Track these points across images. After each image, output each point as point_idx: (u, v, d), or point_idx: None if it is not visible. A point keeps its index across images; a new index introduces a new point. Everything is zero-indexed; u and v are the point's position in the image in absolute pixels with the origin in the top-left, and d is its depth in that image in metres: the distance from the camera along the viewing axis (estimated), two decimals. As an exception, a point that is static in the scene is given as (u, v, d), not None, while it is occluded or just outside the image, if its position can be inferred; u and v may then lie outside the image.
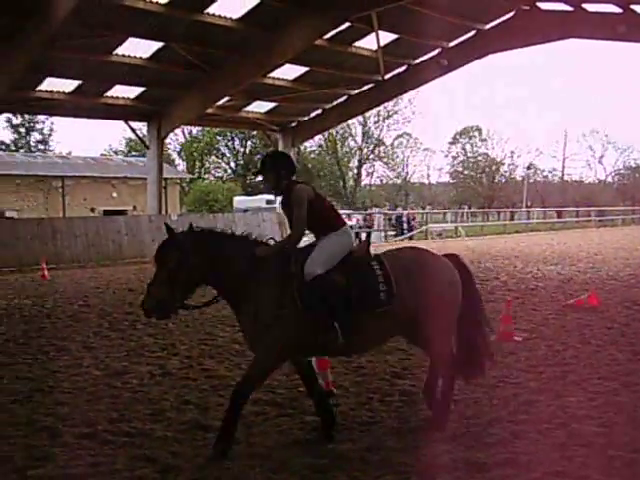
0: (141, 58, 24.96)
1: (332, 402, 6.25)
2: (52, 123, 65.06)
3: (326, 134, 62.46)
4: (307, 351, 5.88)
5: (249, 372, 5.73)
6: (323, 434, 5.82)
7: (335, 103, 32.30)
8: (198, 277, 5.68)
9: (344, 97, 31.69)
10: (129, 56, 24.64)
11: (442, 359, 6.07)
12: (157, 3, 21.31)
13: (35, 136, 66.09)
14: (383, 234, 40.48)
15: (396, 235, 39.63)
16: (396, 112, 69.22)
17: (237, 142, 69.38)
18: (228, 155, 71.17)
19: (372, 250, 6.23)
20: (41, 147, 64.62)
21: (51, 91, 26.75)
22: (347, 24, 23.58)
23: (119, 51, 24.15)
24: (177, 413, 6.52)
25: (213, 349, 9.42)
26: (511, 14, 25.22)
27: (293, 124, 34.06)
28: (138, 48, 24.33)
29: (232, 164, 71.66)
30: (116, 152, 67.34)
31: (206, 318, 11.86)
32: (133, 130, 33.68)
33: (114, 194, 42.08)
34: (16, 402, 7.02)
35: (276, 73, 26.98)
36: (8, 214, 36.12)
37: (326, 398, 6.08)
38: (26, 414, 6.62)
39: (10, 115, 57.16)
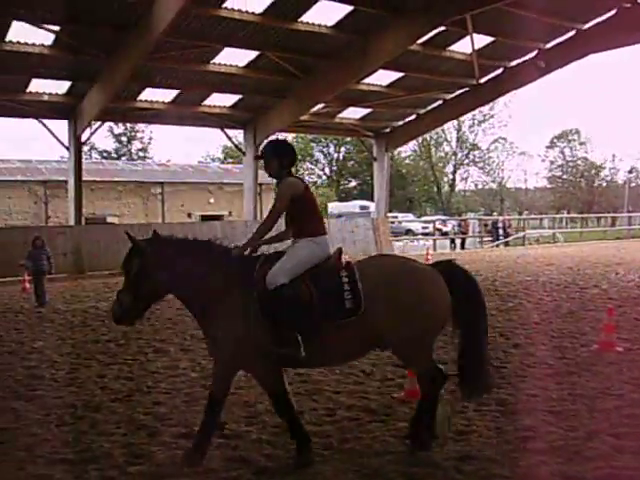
0: (237, 67, 25.43)
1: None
2: (151, 132, 67.19)
3: (420, 139, 62.03)
4: (269, 362, 5.56)
5: (213, 380, 5.76)
6: (297, 457, 5.48)
7: (429, 108, 32.02)
8: (159, 285, 5.66)
9: (438, 102, 31.38)
10: (225, 65, 25.16)
11: (421, 376, 5.76)
12: (252, 13, 21.68)
13: (136, 144, 68.38)
14: (478, 240, 39.87)
15: (492, 241, 38.92)
16: (492, 116, 68.14)
17: (331, 148, 69.81)
18: (322, 161, 71.73)
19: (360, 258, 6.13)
20: (141, 155, 66.75)
21: (151, 101, 27.61)
22: (441, 28, 23.36)
23: (216, 60, 24.68)
24: (271, 416, 6.56)
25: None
26: (612, 12, 24.39)
27: (387, 130, 33.97)
28: (234, 57, 24.82)
29: (326, 170, 72.13)
30: (213, 159, 68.84)
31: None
32: (229, 137, 34.33)
33: (211, 200, 43.00)
34: (116, 400, 7.25)
35: (370, 79, 26.99)
36: (109, 219, 37.44)
37: (297, 418, 5.77)
38: (126, 412, 6.83)
39: (112, 124, 59.34)
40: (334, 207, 53.45)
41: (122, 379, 8.16)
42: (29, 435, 6.14)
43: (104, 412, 6.85)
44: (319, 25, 23.01)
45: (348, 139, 59.50)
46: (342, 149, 69.58)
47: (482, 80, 28.28)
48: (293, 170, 5.95)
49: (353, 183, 71.96)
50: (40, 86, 25.52)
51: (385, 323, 5.42)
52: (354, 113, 32.08)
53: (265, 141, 5.47)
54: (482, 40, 25.45)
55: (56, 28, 21.53)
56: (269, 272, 5.51)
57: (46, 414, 6.79)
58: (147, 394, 7.48)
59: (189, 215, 41.55)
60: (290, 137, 66.31)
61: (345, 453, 5.57)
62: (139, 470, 5.29)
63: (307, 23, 22.69)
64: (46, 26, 21.18)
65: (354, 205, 53.48)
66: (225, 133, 32.83)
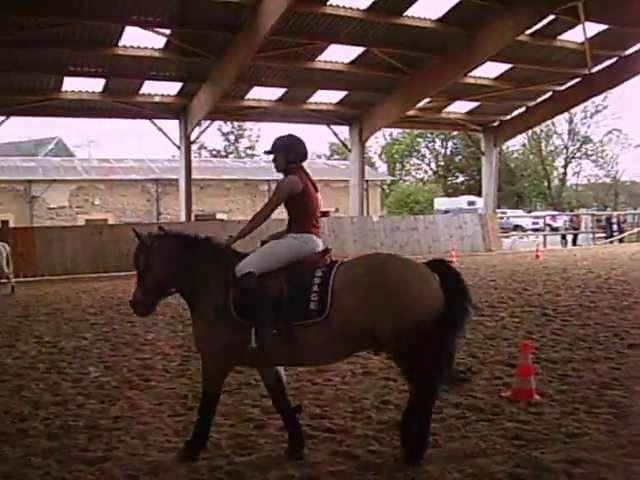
0: (342, 63, 25.56)
1: (298, 417, 5.77)
2: (259, 129, 68.23)
3: (530, 132, 60.46)
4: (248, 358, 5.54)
5: (202, 376, 5.77)
6: (290, 451, 5.50)
7: (539, 100, 31.23)
8: (161, 279, 5.79)
9: (549, 93, 30.55)
10: (331, 62, 25.32)
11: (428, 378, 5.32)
12: (357, 9, 21.73)
13: (244, 142, 69.69)
14: (591, 236, 38.53)
15: (605, 237, 37.53)
16: (605, 107, 65.59)
17: (438, 143, 69.02)
18: (429, 156, 71.02)
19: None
20: (249, 153, 68.01)
21: (258, 99, 28.10)
22: (551, 17, 22.68)
23: (321, 58, 24.87)
24: (377, 412, 6.57)
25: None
26: None
27: (495, 123, 33.34)
28: (340, 54, 24.96)
29: (433, 165, 71.40)
30: (319, 156, 69.35)
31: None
32: (335, 134, 34.50)
33: (318, 196, 43.35)
34: (225, 393, 7.40)
35: (477, 72, 26.55)
36: (219, 216, 38.35)
37: (293, 413, 5.70)
38: (234, 404, 6.98)
39: (221, 123, 60.65)
40: (441, 203, 52.87)
41: (231, 372, 8.32)
42: (142, 423, 6.36)
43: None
44: (424, 19, 22.83)
45: (455, 134, 58.70)
46: (449, 144, 68.66)
47: (595, 70, 27.33)
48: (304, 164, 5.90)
49: (460, 178, 70.90)
50: (152, 88, 26.43)
51: (367, 321, 5.14)
52: (461, 107, 31.65)
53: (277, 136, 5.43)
54: (594, 28, 24.59)
55: (167, 31, 22.23)
56: (240, 263, 5.53)
57: (158, 404, 7.02)
58: (255, 387, 7.60)
59: (296, 212, 42.03)
60: (396, 132, 66.30)
61: (451, 452, 5.49)
62: (246, 461, 5.40)
63: (412, 17, 22.57)
64: (157, 30, 21.88)
65: (461, 200, 52.75)
66: (331, 130, 33.02)
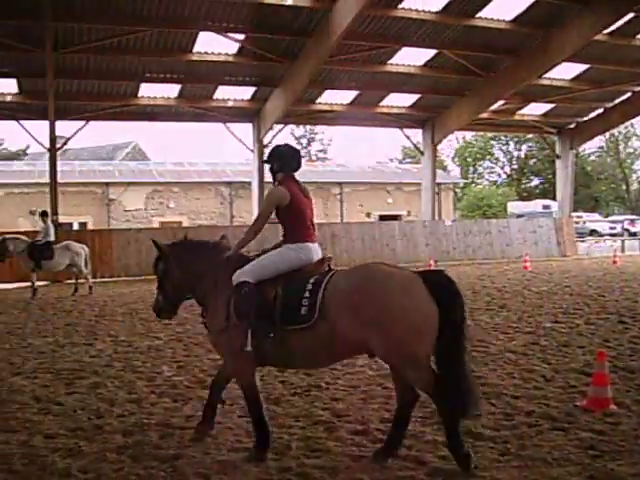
0: (415, 66, 25.43)
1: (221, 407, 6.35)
2: (331, 133, 68.48)
3: (607, 135, 58.95)
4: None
5: (224, 368, 6.23)
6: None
7: (618, 101, 30.40)
8: (177, 285, 6.20)
9: (628, 94, 29.71)
10: (403, 65, 25.22)
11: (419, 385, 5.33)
12: (429, 11, 21.59)
13: (315, 146, 70.07)
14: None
15: (689, 242, 36.26)
16: (688, 108, 63.28)
17: (512, 146, 67.91)
18: (502, 159, 69.94)
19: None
20: (321, 156, 68.31)
21: (330, 103, 28.21)
22: (630, 15, 22.03)
23: (393, 61, 24.80)
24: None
25: (486, 356, 9.24)
26: None
27: (571, 125, 32.63)
28: (412, 57, 24.85)
29: (506, 168, 70.27)
30: (391, 159, 69.13)
31: (478, 325, 11.72)
32: (408, 137, 34.35)
33: (389, 200, 43.22)
34: (296, 395, 7.46)
35: (553, 73, 26.02)
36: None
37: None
38: (304, 407, 7.00)
39: (293, 126, 61.10)
40: (514, 207, 51.96)
41: (302, 374, 8.35)
42: (215, 423, 6.44)
43: (284, 405, 7.06)
44: (498, 20, 22.52)
45: (529, 136, 57.67)
46: (523, 147, 67.48)
47: (677, 69, 26.41)
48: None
49: (535, 182, 69.54)
50: (226, 92, 26.81)
51: (355, 330, 5.21)
52: (536, 109, 31.10)
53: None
54: (676, 26, 23.78)
55: (240, 37, 22.53)
56: (238, 270, 5.77)
57: (230, 404, 7.10)
58: (325, 390, 7.62)
59: (368, 215, 41.99)
60: (468, 135, 65.55)
61: (523, 460, 5.38)
62: (315, 463, 5.41)
63: (485, 19, 22.30)
64: (231, 35, 22.20)
65: (536, 204, 51.72)
66: (403, 133, 32.88)
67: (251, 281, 5.66)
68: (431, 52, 24.56)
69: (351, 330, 5.23)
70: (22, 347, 11.14)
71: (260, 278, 5.69)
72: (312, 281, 5.51)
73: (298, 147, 6.24)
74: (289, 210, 5.92)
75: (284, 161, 6.08)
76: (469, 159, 68.29)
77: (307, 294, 5.42)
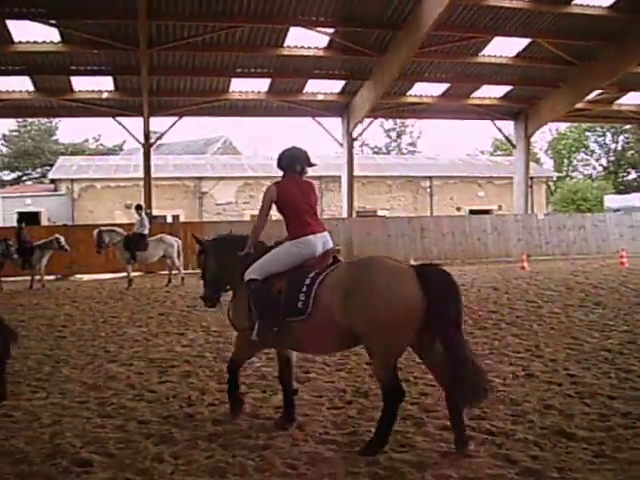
0: (507, 57, 24.91)
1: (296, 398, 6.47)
2: (420, 126, 67.83)
3: None
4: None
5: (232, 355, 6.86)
6: (282, 416, 6.33)
7: None
8: (216, 276, 6.79)
9: None
10: (495, 56, 24.74)
11: (380, 382, 5.69)
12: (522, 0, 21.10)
13: (405, 139, 69.54)
14: None
15: None
16: None
17: (608, 137, 65.65)
18: (598, 151, 67.68)
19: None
20: (410, 149, 67.78)
21: (420, 95, 27.95)
22: None
23: (485, 51, 24.35)
24: (539, 417, 6.32)
25: (580, 354, 8.95)
26: None
27: (673, 115, 31.31)
28: (504, 47, 24.34)
29: (602, 161, 68.04)
30: (482, 152, 67.98)
31: (572, 322, 11.40)
32: (499, 129, 33.70)
33: (480, 193, 42.51)
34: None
35: (653, 60, 24.98)
36: (380, 213, 38.52)
37: (292, 393, 6.40)
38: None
39: (383, 120, 60.80)
40: (611, 200, 50.24)
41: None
42: (302, 415, 6.47)
43: (372, 399, 7.02)
44: (594, 7, 21.77)
45: (627, 127, 55.67)
46: (620, 138, 65.17)
47: None
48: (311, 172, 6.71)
49: (633, 175, 67.09)
50: (315, 86, 26.93)
51: (346, 322, 5.55)
52: (634, 99, 29.95)
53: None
54: None
55: (330, 30, 22.57)
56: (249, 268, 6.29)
57: (318, 396, 7.13)
58: (414, 385, 7.55)
59: (458, 209, 41.42)
60: (562, 127, 63.78)
61: (618, 463, 5.17)
62: (403, 457, 5.36)
63: (580, 5, 21.59)
64: (321, 29, 22.27)
65: (634, 198, 49.87)
66: (495, 125, 32.30)
67: (259, 278, 6.15)
68: (524, 42, 23.99)
69: (340, 317, 5.56)
70: (117, 335, 11.53)
71: (267, 274, 6.15)
72: (311, 276, 5.88)
73: (305, 149, 6.60)
74: (281, 207, 6.35)
75: (283, 164, 6.52)
76: (563, 151, 66.40)
77: (304, 288, 5.81)
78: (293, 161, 6.48)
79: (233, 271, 6.52)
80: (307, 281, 5.84)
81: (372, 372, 5.90)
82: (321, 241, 6.27)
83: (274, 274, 6.11)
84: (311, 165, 6.53)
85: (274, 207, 6.38)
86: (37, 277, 20.47)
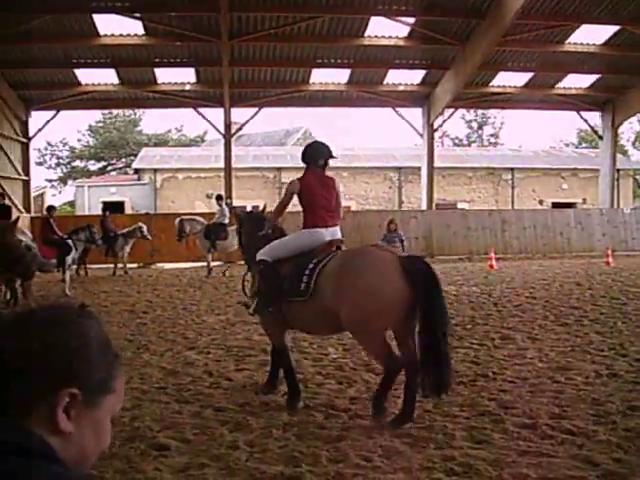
0: (595, 45, 24.14)
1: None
2: (503, 117, 66.52)
3: None
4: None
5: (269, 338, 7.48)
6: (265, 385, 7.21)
7: None
8: (250, 251, 7.35)
9: None
10: (582, 44, 24.01)
11: (377, 360, 6.44)
12: (612, -15, 20.40)
13: (487, 130, 68.36)
14: None
15: None
16: None
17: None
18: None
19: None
20: (492, 141, 66.60)
21: (503, 85, 27.41)
22: None
23: (571, 40, 23.67)
24: (623, 418, 6.09)
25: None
26: None
27: None
28: (591, 34, 23.58)
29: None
30: (567, 144, 66.25)
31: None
32: (585, 120, 32.75)
33: (564, 186, 41.44)
34: (461, 384, 7.30)
35: None
36: (460, 205, 37.99)
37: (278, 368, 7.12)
38: (470, 396, 6.84)
39: (464, 111, 59.96)
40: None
41: (468, 363, 8.20)
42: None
43: (450, 395, 6.92)
44: (688, -9, 20.86)
45: None
46: None
47: None
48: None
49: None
50: (395, 77, 26.72)
51: (334, 305, 6.04)
52: None
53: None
54: None
55: (411, 20, 22.34)
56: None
57: (394, 389, 7.07)
58: (492, 380, 7.42)
59: (540, 202, 40.46)
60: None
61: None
62: (479, 454, 5.24)
63: (674, -10, 20.71)
64: (401, 19, 22.07)
65: None
66: (580, 116, 31.41)
67: (268, 260, 6.75)
68: (612, 29, 23.16)
69: (331, 301, 6.08)
70: (196, 323, 11.73)
71: (277, 257, 6.73)
72: (314, 261, 6.40)
73: (327, 143, 7.18)
74: (302, 199, 6.95)
75: (307, 157, 7.05)
76: (652, 143, 64.13)
77: (307, 272, 6.32)
78: (316, 155, 7.00)
79: (253, 247, 7.19)
80: (310, 266, 6.35)
81: (366, 354, 6.50)
82: (330, 233, 6.83)
83: (282, 259, 6.68)
84: (332, 157, 7.08)
85: (295, 198, 7.01)
86: (120, 265, 21.01)
